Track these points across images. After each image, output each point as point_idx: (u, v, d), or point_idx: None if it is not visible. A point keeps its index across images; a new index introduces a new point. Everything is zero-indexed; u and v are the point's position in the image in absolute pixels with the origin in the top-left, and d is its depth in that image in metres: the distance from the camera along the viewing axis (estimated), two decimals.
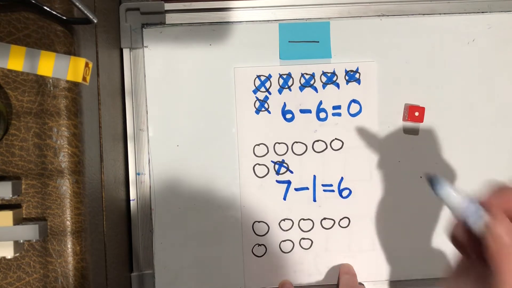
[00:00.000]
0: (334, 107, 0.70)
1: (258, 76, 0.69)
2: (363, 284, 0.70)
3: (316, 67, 0.69)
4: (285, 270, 0.70)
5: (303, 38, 0.69)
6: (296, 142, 0.70)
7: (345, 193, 0.70)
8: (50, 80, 0.48)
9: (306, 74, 0.69)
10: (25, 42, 0.48)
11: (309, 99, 0.70)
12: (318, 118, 0.70)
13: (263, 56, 0.69)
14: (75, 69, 0.48)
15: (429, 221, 0.70)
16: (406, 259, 0.70)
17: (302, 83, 0.69)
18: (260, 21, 0.69)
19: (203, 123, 0.69)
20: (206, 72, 0.69)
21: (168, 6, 0.68)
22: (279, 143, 0.70)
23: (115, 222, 0.62)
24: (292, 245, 0.70)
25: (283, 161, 0.70)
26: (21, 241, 0.47)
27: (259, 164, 0.70)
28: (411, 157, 0.70)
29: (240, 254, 0.70)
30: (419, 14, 0.70)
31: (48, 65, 0.47)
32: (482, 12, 0.70)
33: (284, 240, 0.70)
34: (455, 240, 0.43)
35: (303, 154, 0.70)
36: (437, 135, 0.70)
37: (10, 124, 0.48)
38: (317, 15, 0.69)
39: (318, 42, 0.69)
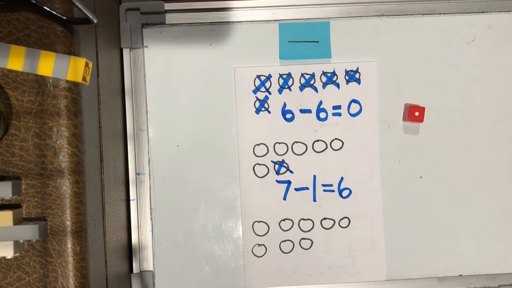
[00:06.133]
0: (334, 107, 0.70)
1: (258, 76, 0.69)
2: None
3: (316, 67, 0.69)
4: (285, 270, 0.70)
5: (303, 38, 0.69)
6: (296, 142, 0.70)
7: (345, 193, 0.70)
8: (50, 80, 0.48)
9: (306, 74, 0.69)
10: (25, 42, 0.48)
11: (309, 99, 0.70)
12: (318, 118, 0.70)
13: (263, 56, 0.69)
14: (75, 69, 0.48)
15: (429, 221, 0.70)
16: (406, 259, 0.70)
17: (302, 83, 0.69)
18: (260, 21, 0.69)
19: (203, 123, 0.69)
20: (206, 72, 0.69)
21: (168, 6, 0.68)
22: (279, 143, 0.70)
23: (115, 222, 0.62)
24: (292, 245, 0.70)
25: (283, 161, 0.70)
26: (21, 241, 0.47)
27: (259, 164, 0.70)
28: (411, 157, 0.70)
29: (240, 254, 0.70)
30: (419, 14, 0.70)
31: (48, 65, 0.47)
32: (482, 12, 0.70)
33: (284, 240, 0.70)
34: None
35: (303, 154, 0.70)
36: (437, 135, 0.70)
37: (10, 124, 0.48)
38: (317, 15, 0.69)
39: (318, 42, 0.69)
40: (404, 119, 0.70)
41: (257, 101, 0.69)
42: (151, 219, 0.69)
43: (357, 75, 0.70)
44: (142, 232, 0.69)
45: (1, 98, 0.48)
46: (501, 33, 0.70)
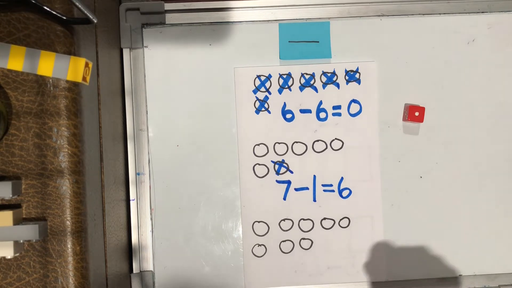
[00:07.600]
0: (334, 107, 0.70)
1: (258, 76, 0.69)
2: None
3: (316, 67, 0.69)
4: (285, 270, 0.70)
5: (303, 38, 0.69)
6: (296, 142, 0.70)
7: (345, 193, 0.70)
8: (50, 80, 0.48)
9: (306, 74, 0.69)
10: (25, 42, 0.48)
11: (309, 99, 0.70)
12: (318, 118, 0.70)
13: (263, 56, 0.69)
14: (75, 69, 0.48)
15: (429, 221, 0.70)
16: (406, 259, 0.70)
17: (302, 83, 0.69)
18: (260, 21, 0.69)
19: (203, 123, 0.69)
20: (206, 72, 0.69)
21: (168, 6, 0.68)
22: (279, 143, 0.70)
23: (115, 222, 0.62)
24: (292, 245, 0.70)
25: (283, 161, 0.70)
26: (21, 241, 0.47)
27: (259, 164, 0.70)
28: (411, 157, 0.70)
29: (240, 254, 0.70)
30: (419, 14, 0.70)
31: (48, 65, 0.47)
32: (482, 12, 0.70)
33: (284, 240, 0.70)
34: None
35: (303, 154, 0.70)
36: (437, 135, 0.70)
37: (10, 124, 0.48)
38: (317, 15, 0.69)
39: (318, 42, 0.69)
40: (404, 119, 0.70)
41: (257, 101, 0.69)
42: (151, 219, 0.69)
43: (357, 75, 0.70)
44: (142, 232, 0.69)
45: (1, 98, 0.48)
46: (501, 33, 0.70)
